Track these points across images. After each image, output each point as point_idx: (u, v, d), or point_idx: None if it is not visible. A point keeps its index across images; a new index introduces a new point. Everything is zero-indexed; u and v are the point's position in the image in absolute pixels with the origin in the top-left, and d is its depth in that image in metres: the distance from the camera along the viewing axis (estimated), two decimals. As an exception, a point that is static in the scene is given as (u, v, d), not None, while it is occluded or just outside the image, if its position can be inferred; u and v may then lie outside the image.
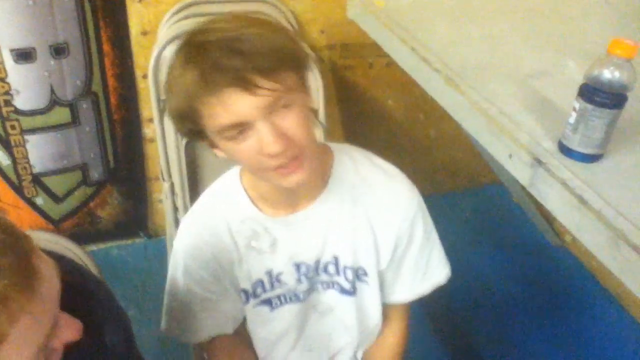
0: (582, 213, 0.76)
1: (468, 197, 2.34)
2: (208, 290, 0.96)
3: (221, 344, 1.03)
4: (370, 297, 0.99)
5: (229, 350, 1.04)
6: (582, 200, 0.76)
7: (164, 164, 1.55)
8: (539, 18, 1.42)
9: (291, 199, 0.90)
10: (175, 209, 1.62)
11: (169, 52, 1.36)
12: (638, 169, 0.84)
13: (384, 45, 1.36)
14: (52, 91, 1.60)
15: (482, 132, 0.98)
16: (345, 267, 0.95)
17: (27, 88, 1.57)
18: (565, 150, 0.84)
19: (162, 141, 1.51)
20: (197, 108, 0.74)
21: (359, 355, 1.09)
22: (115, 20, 1.61)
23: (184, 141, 1.48)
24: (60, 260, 0.60)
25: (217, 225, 0.93)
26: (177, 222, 1.62)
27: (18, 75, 1.54)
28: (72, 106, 1.66)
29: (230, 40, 0.71)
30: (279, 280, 0.95)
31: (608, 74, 0.75)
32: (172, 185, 1.57)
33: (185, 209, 1.55)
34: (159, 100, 1.45)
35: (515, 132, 0.91)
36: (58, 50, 1.56)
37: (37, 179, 1.75)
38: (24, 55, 1.52)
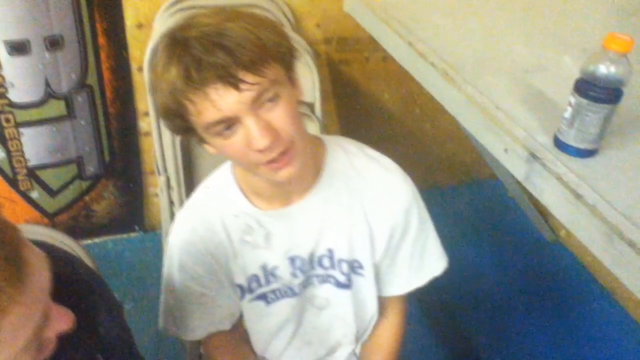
0: (577, 208, 0.76)
1: (463, 192, 2.35)
2: (204, 286, 0.95)
3: (219, 341, 1.03)
4: (366, 289, 0.99)
5: (226, 347, 1.04)
6: (577, 195, 0.77)
7: (159, 157, 1.55)
8: (535, 13, 1.42)
9: (284, 193, 0.90)
10: (171, 203, 1.61)
11: (165, 45, 1.35)
12: (633, 164, 0.84)
13: (380, 39, 1.36)
14: (47, 84, 1.59)
15: (478, 126, 0.99)
16: (340, 260, 0.95)
17: (21, 81, 1.56)
18: (560, 145, 0.84)
19: (158, 135, 1.51)
20: (183, 104, 0.73)
21: (357, 349, 1.09)
22: (111, 13, 1.60)
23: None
24: (51, 251, 0.60)
25: (211, 220, 0.92)
26: (172, 216, 1.62)
27: (12, 68, 1.53)
28: (67, 99, 1.65)
29: (212, 35, 0.70)
30: (274, 275, 0.95)
31: (604, 69, 0.75)
32: (167, 179, 1.56)
33: (181, 203, 1.54)
34: (154, 93, 1.45)
35: (510, 126, 0.91)
36: (53, 43, 1.55)
37: (32, 173, 1.74)
38: (18, 48, 1.51)
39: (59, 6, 1.51)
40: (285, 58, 0.77)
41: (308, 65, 1.45)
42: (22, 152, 1.69)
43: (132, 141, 1.85)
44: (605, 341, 1.77)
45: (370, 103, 2.03)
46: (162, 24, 1.55)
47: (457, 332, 1.79)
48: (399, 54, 1.26)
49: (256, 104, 0.73)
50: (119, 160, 1.87)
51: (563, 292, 1.95)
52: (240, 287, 0.96)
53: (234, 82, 0.70)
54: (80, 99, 1.68)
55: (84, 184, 1.85)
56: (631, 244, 0.69)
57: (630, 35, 0.74)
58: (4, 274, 0.50)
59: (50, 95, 1.61)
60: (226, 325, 1.00)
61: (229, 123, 0.73)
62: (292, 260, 0.94)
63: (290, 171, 0.78)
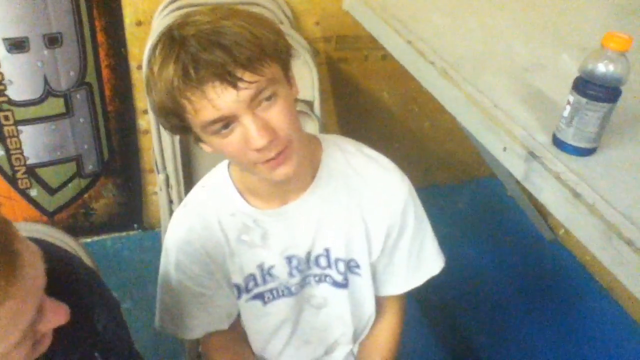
0: (576, 206, 0.76)
1: (462, 191, 2.35)
2: (201, 285, 0.95)
3: (217, 340, 1.02)
4: (363, 289, 0.99)
5: (224, 346, 1.03)
6: (576, 194, 0.77)
7: (158, 155, 1.54)
8: (534, 12, 1.42)
9: (281, 192, 0.89)
10: (170, 201, 1.61)
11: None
12: (632, 163, 0.84)
13: (379, 37, 1.36)
14: (46, 81, 1.59)
15: (477, 125, 0.99)
16: (337, 259, 0.95)
17: (20, 78, 1.56)
18: (559, 143, 0.84)
19: (157, 133, 1.51)
20: (181, 103, 0.73)
21: (355, 349, 1.09)
22: (109, 10, 1.60)
23: (178, 133, 1.48)
24: (50, 250, 0.60)
25: (207, 219, 0.92)
26: (172, 215, 1.62)
27: (11, 65, 1.53)
28: (66, 97, 1.65)
29: (209, 33, 0.70)
30: (270, 274, 0.95)
31: (602, 67, 0.75)
32: (166, 178, 1.56)
33: (180, 201, 1.54)
34: (153, 91, 1.44)
35: (510, 125, 0.91)
36: (51, 40, 1.54)
37: (31, 171, 1.74)
38: (16, 45, 1.50)
39: (57, 4, 1.51)
40: (282, 56, 0.77)
41: (307, 63, 1.44)
42: (21, 149, 1.68)
43: (131, 139, 1.84)
44: (604, 340, 1.77)
45: (369, 102, 2.03)
46: (161, 21, 1.55)
47: (456, 332, 1.80)
48: (398, 53, 1.26)
49: (254, 102, 0.73)
50: (118, 159, 1.86)
51: (562, 291, 1.95)
52: (237, 286, 0.96)
53: (232, 81, 0.69)
54: (79, 97, 1.67)
55: (83, 182, 1.85)
56: (630, 243, 0.69)
57: (629, 34, 0.74)
58: None
59: (49, 93, 1.61)
60: (224, 325, 1.00)
61: (227, 122, 0.73)
62: (289, 259, 0.94)
63: (287, 170, 0.78)
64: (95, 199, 1.91)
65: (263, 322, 1.01)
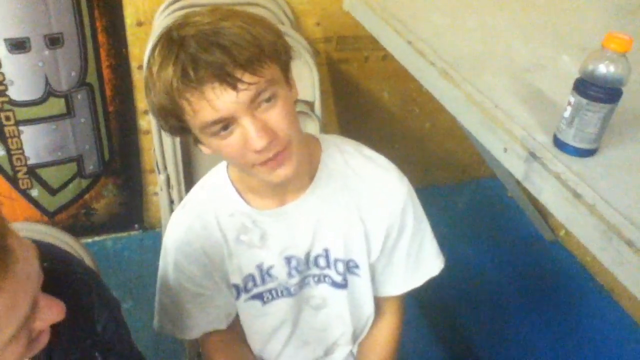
0: (576, 207, 0.77)
1: (462, 191, 2.35)
2: (199, 285, 0.95)
3: (215, 340, 1.02)
4: (362, 289, 0.99)
5: (223, 346, 1.03)
6: (576, 194, 0.77)
7: (159, 156, 1.54)
8: (534, 11, 1.42)
9: (279, 192, 0.89)
10: (171, 201, 1.61)
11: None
12: (632, 163, 0.84)
13: (379, 38, 1.36)
14: (47, 82, 1.59)
15: (477, 125, 0.99)
16: (336, 260, 0.95)
17: (21, 78, 1.56)
18: (560, 144, 0.84)
19: (158, 133, 1.51)
20: (179, 104, 0.73)
21: (355, 349, 1.09)
22: (111, 11, 1.60)
23: (179, 133, 1.48)
24: (46, 247, 0.60)
25: (206, 219, 0.92)
26: (172, 215, 1.62)
27: (12, 66, 1.53)
28: (67, 97, 1.65)
29: (209, 33, 0.70)
30: (269, 275, 0.95)
31: (603, 68, 0.75)
32: (167, 178, 1.56)
33: (181, 202, 1.54)
34: (154, 92, 1.45)
35: (510, 125, 0.91)
36: (52, 41, 1.55)
37: (32, 171, 1.74)
38: (17, 45, 1.51)
39: (58, 4, 1.51)
40: (281, 57, 0.77)
41: (308, 64, 1.44)
42: (22, 149, 1.69)
43: (131, 139, 1.85)
44: (604, 341, 1.77)
45: (369, 102, 2.03)
46: (162, 22, 1.55)
47: (456, 332, 1.79)
48: (398, 53, 1.26)
49: (253, 104, 0.72)
50: (118, 159, 1.86)
51: (562, 292, 1.95)
52: (236, 286, 0.96)
53: (231, 82, 0.69)
54: (80, 97, 1.68)
55: (84, 182, 1.85)
56: (630, 244, 0.69)
57: (630, 35, 0.74)
58: None
59: (50, 93, 1.61)
60: (222, 325, 1.00)
61: (226, 123, 0.73)
62: (288, 260, 0.94)
63: (286, 171, 0.78)
64: (96, 199, 1.91)
65: (262, 322, 1.01)
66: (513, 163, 0.90)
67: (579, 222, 0.77)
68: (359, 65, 1.93)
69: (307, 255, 0.94)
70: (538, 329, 1.79)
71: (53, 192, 1.82)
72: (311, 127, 1.50)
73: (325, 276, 0.97)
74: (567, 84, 0.81)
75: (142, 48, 1.64)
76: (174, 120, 0.76)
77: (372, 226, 0.94)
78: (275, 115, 0.74)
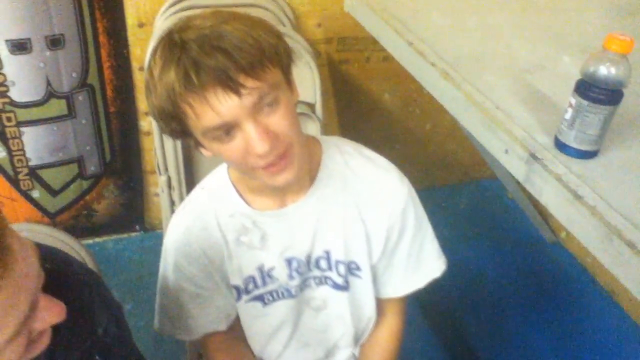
0: (577, 208, 0.76)
1: (463, 192, 2.35)
2: (199, 286, 0.95)
3: (216, 341, 1.02)
4: (363, 291, 0.99)
5: (224, 347, 1.03)
6: (577, 196, 0.77)
7: (160, 157, 1.54)
8: (535, 11, 1.42)
9: (280, 193, 0.89)
10: (172, 202, 1.61)
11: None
12: (633, 165, 0.84)
13: (380, 38, 1.36)
14: (48, 83, 1.59)
15: (478, 126, 0.99)
16: (337, 262, 0.95)
17: (22, 79, 1.56)
18: (560, 145, 0.84)
19: (159, 134, 1.51)
20: (181, 108, 0.72)
21: (356, 351, 1.09)
22: (112, 12, 1.60)
23: (180, 134, 1.48)
24: (47, 249, 0.60)
25: (206, 220, 0.92)
26: (173, 215, 1.62)
27: (13, 67, 1.54)
28: (68, 98, 1.65)
29: (210, 37, 0.70)
30: (270, 276, 0.95)
31: (604, 69, 0.75)
32: (168, 179, 1.56)
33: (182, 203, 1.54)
34: (155, 93, 1.45)
35: (511, 127, 0.91)
36: (54, 42, 1.55)
37: (33, 172, 1.74)
38: (19, 46, 1.51)
39: (59, 5, 1.52)
40: (282, 60, 0.76)
41: (309, 65, 1.45)
42: (24, 150, 1.69)
43: (133, 140, 1.85)
44: (604, 342, 1.77)
45: (370, 103, 2.03)
46: (163, 23, 1.55)
47: (457, 333, 1.79)
48: (399, 54, 1.26)
49: (256, 108, 0.72)
50: (119, 160, 1.87)
51: (563, 294, 1.95)
52: (237, 288, 0.96)
53: (234, 87, 0.69)
54: (81, 98, 1.68)
55: (85, 184, 1.85)
56: (631, 245, 0.69)
57: (631, 36, 0.74)
58: None
59: (51, 94, 1.61)
60: (222, 326, 1.00)
61: (228, 128, 0.73)
62: (289, 261, 0.94)
63: (288, 175, 0.78)
64: (97, 200, 1.91)
65: (262, 323, 1.01)
66: (514, 164, 0.90)
67: (579, 223, 0.77)
68: (360, 66, 1.93)
69: (308, 257, 0.94)
70: (539, 330, 1.79)
71: (54, 193, 1.82)
72: (312, 128, 1.50)
73: (326, 278, 0.97)
74: (567, 85, 0.81)
75: (143, 49, 1.64)
76: (175, 123, 0.76)
77: (373, 227, 0.93)
78: (277, 119, 0.74)
